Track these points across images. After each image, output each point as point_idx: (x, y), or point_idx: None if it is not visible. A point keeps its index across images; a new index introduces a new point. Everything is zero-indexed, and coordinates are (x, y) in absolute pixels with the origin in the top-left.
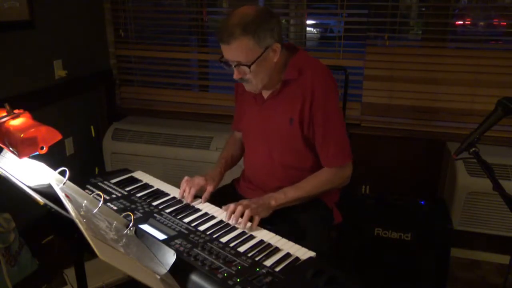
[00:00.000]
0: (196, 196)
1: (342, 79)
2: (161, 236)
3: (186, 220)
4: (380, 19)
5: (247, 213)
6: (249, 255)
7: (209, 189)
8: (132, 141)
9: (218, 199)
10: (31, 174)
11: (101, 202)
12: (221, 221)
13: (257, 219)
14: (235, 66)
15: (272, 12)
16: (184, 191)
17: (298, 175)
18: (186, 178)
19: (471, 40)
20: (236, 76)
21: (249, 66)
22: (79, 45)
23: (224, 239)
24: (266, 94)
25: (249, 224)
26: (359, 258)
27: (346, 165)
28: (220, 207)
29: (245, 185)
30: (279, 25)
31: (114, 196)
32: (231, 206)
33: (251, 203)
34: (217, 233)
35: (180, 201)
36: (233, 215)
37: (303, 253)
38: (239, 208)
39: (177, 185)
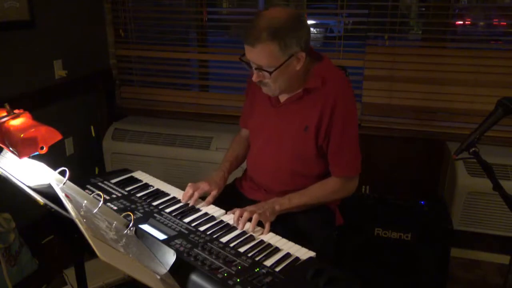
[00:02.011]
0: (200, 198)
1: None
2: (161, 236)
3: (186, 220)
4: (380, 19)
5: (255, 217)
6: (249, 255)
7: (214, 193)
8: (132, 141)
9: (219, 198)
10: (31, 174)
11: (101, 202)
12: (221, 221)
13: (268, 226)
14: (255, 69)
15: (303, 19)
16: (187, 195)
17: (305, 182)
18: (190, 184)
19: (471, 40)
20: (255, 79)
21: (270, 73)
22: (79, 45)
23: (224, 239)
24: (283, 97)
25: (258, 228)
26: (359, 258)
27: (354, 177)
28: (222, 207)
29: (247, 184)
30: (308, 33)
31: (114, 196)
32: (237, 211)
33: (257, 209)
34: (217, 233)
35: (180, 201)
36: (240, 220)
37: (303, 253)
38: (246, 214)
39: (177, 185)
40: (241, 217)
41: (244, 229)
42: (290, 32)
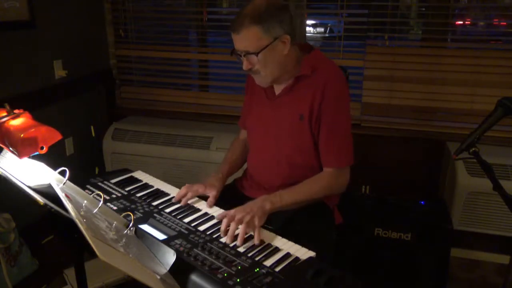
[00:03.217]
0: (198, 197)
1: None
2: (161, 236)
3: (186, 220)
4: (380, 19)
5: (242, 229)
6: (249, 255)
7: (213, 194)
8: (132, 141)
9: (219, 199)
10: (31, 174)
11: (101, 202)
12: (221, 221)
13: (257, 233)
14: (244, 56)
15: (283, 4)
16: (180, 195)
17: (304, 174)
18: (186, 185)
19: (471, 40)
20: (245, 66)
21: (256, 54)
22: (79, 45)
23: (224, 239)
24: (278, 90)
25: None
26: (359, 258)
27: (344, 169)
28: (222, 207)
29: (247, 183)
30: (289, 17)
31: (114, 196)
32: (224, 221)
33: (245, 215)
34: (217, 233)
35: (180, 201)
36: (228, 234)
37: (303, 253)
38: (232, 226)
39: (177, 185)
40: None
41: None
42: (272, 16)
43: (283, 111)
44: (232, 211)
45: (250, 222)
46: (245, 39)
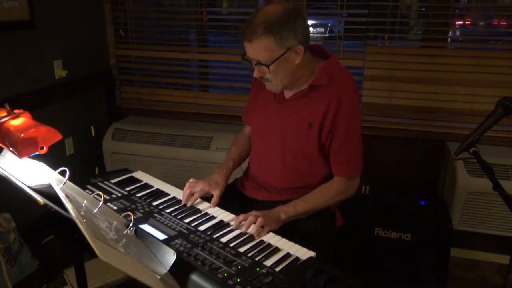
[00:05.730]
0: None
1: None
2: (161, 236)
3: (186, 220)
4: (380, 19)
5: (259, 220)
6: (249, 255)
7: (216, 193)
8: (132, 141)
9: (220, 199)
10: (31, 174)
11: (101, 202)
12: (221, 221)
13: (266, 230)
14: (255, 65)
15: (299, 12)
16: (186, 195)
17: (310, 180)
18: (191, 180)
19: (471, 40)
20: (256, 74)
21: (267, 66)
22: (79, 45)
23: (224, 239)
24: (288, 94)
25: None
26: (359, 258)
27: (355, 176)
28: (222, 207)
29: (249, 184)
30: (303, 24)
31: (114, 196)
32: (241, 215)
33: (261, 215)
34: (217, 233)
35: (180, 201)
36: (244, 223)
37: (303, 253)
38: (251, 218)
39: (177, 185)
40: (245, 220)
41: (247, 232)
42: (286, 26)
43: (291, 116)
44: (248, 213)
45: (267, 220)
46: (257, 49)
